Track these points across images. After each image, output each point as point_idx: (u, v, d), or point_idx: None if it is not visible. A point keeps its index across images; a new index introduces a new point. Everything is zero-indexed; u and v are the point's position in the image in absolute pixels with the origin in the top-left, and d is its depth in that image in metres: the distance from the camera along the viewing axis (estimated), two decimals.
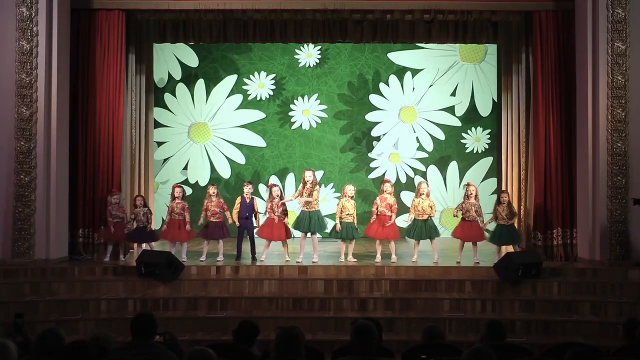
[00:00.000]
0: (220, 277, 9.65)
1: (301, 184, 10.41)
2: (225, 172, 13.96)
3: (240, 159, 13.99)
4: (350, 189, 10.36)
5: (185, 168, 13.97)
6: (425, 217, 10.24)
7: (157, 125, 13.52)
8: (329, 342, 7.72)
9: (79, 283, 9.49)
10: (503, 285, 9.32)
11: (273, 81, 13.94)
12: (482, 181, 13.72)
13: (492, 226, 10.48)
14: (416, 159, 13.96)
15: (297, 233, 10.69)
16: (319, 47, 13.78)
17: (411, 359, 5.41)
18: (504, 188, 11.76)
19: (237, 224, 10.39)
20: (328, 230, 10.76)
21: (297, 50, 13.86)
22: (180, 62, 13.87)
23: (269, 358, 4.72)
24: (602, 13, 9.90)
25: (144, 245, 10.53)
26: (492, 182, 13.56)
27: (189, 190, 13.18)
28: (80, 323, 8.69)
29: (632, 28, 9.89)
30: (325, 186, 13.70)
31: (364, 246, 11.37)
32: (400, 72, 13.90)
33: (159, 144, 13.71)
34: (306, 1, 10.86)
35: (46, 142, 9.93)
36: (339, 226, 10.22)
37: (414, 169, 13.94)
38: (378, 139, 13.95)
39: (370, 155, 13.97)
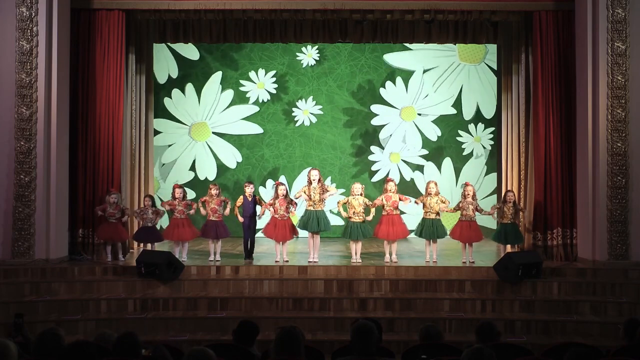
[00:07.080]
0: (220, 277, 9.63)
1: (307, 183, 10.31)
2: (224, 174, 13.96)
3: (239, 158, 13.99)
4: (357, 187, 10.26)
5: (193, 169, 13.99)
6: (434, 215, 10.22)
7: (161, 124, 13.57)
8: (329, 342, 7.74)
9: (79, 283, 9.48)
10: (503, 285, 9.31)
11: (273, 81, 13.94)
12: (479, 180, 13.72)
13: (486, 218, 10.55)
14: (415, 159, 13.96)
15: (303, 232, 10.53)
16: (317, 47, 13.77)
17: (411, 359, 5.41)
18: (504, 188, 11.75)
19: (241, 218, 10.38)
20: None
21: (297, 54, 13.86)
22: (180, 57, 13.88)
23: (269, 358, 4.71)
24: (602, 13, 9.89)
25: (145, 245, 10.51)
26: (492, 182, 13.57)
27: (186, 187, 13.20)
28: (80, 323, 8.67)
29: (632, 28, 9.89)
30: None
31: (377, 245, 11.29)
32: (400, 73, 13.90)
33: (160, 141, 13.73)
34: (306, 1, 10.85)
35: (46, 142, 9.92)
36: (344, 213, 10.32)
37: (416, 166, 13.93)
38: (378, 141, 13.95)
39: (371, 156, 13.96)
